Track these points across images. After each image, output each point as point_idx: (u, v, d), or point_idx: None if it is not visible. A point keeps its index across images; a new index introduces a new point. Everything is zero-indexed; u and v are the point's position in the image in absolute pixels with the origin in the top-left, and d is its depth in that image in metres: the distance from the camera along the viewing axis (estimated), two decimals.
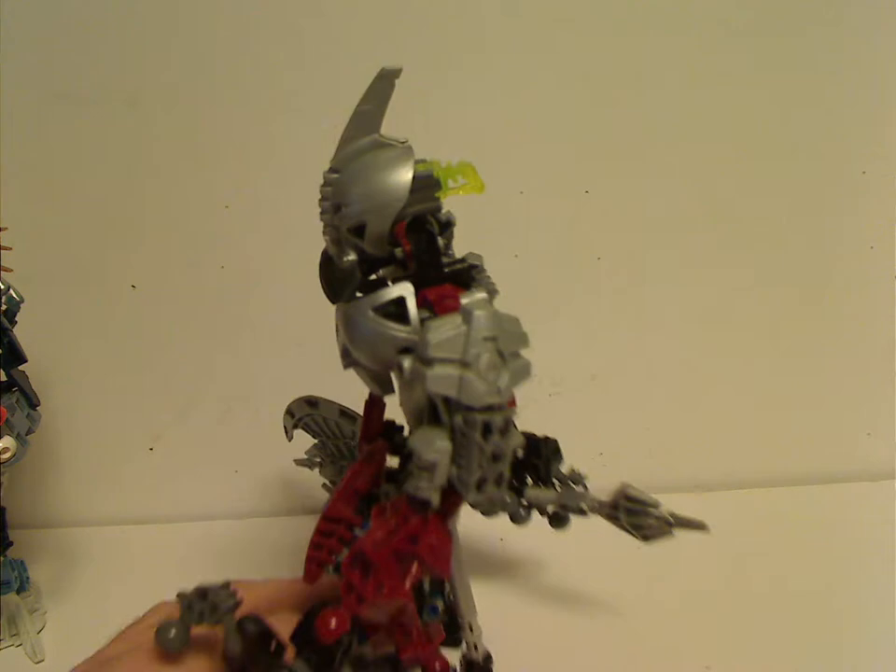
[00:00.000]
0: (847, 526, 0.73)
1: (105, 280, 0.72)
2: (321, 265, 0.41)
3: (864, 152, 0.77)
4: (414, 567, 0.32)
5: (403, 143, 0.38)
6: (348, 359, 0.40)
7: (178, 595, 0.31)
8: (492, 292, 0.41)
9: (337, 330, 0.41)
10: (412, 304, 0.35)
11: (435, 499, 0.33)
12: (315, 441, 0.62)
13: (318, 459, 0.63)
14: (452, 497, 0.34)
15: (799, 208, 0.78)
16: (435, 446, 0.33)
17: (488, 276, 0.42)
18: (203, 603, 0.31)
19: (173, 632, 0.30)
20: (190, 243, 0.72)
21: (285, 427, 0.61)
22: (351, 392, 0.51)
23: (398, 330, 0.35)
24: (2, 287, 0.57)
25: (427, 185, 0.37)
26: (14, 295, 0.57)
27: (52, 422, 0.72)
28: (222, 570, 0.34)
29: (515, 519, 0.57)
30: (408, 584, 0.32)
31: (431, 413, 0.34)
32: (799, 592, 0.64)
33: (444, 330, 0.33)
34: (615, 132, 0.74)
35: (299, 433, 0.61)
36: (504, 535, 0.69)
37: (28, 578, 0.62)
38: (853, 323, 0.81)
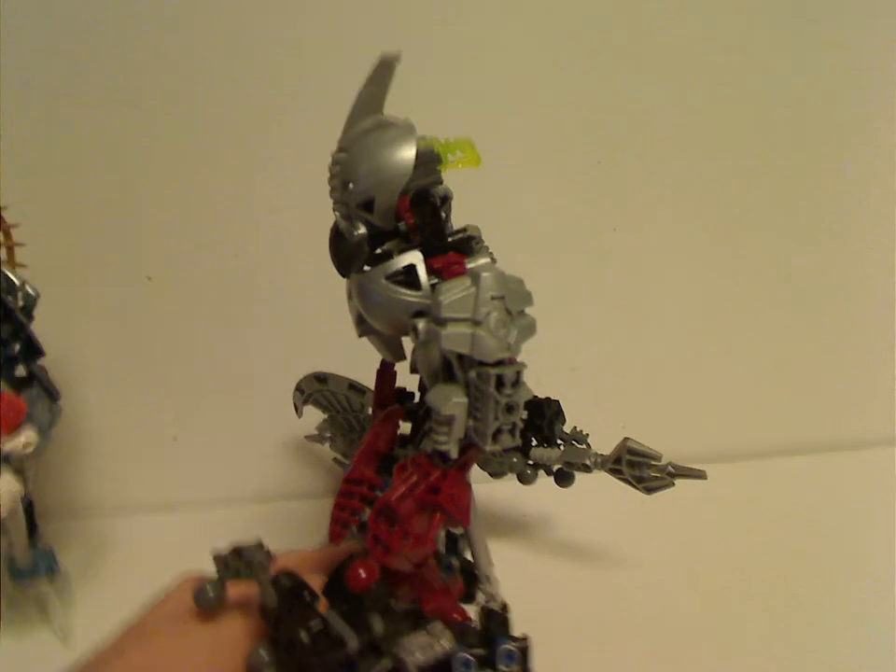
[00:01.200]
0: (858, 492, 0.73)
1: (121, 273, 0.72)
2: (331, 241, 0.43)
3: (875, 126, 0.76)
4: (437, 518, 0.35)
5: (405, 121, 0.41)
6: (363, 327, 0.42)
7: (214, 556, 0.33)
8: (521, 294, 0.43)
9: (349, 301, 0.43)
10: (422, 271, 0.38)
11: (454, 452, 0.35)
12: (325, 416, 0.63)
13: (329, 434, 0.64)
14: (469, 451, 0.37)
15: (814, 181, 0.78)
16: (452, 401, 0.35)
17: (486, 247, 0.44)
18: (238, 561, 0.32)
19: (210, 590, 0.32)
20: (203, 233, 0.73)
21: (295, 404, 0.62)
22: (364, 371, 0.52)
23: (410, 296, 0.38)
24: (17, 282, 0.57)
25: (429, 160, 0.40)
26: (30, 290, 0.58)
27: (75, 415, 0.72)
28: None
29: (523, 479, 0.59)
30: (432, 534, 0.35)
31: (446, 371, 0.37)
32: (807, 555, 0.64)
33: (455, 292, 0.35)
34: (629, 102, 0.74)
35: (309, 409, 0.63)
36: (513, 497, 0.71)
37: (58, 565, 0.63)
38: (874, 290, 0.80)
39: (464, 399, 0.35)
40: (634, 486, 0.54)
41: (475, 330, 0.34)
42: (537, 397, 0.57)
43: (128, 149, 0.70)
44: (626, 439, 0.54)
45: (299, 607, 0.32)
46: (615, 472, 0.55)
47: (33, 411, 0.55)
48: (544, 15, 0.71)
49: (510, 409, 0.35)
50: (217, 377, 0.76)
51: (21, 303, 0.57)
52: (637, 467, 0.53)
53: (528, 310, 0.38)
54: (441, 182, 0.41)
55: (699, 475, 0.51)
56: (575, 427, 0.60)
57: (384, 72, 0.40)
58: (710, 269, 0.79)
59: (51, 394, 0.58)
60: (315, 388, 0.61)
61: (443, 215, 0.41)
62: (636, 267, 0.79)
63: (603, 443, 0.56)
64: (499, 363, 0.35)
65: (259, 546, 0.33)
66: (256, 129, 0.70)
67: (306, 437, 0.66)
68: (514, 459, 0.58)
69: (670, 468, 0.52)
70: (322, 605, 0.33)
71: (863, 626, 0.57)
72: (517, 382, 0.35)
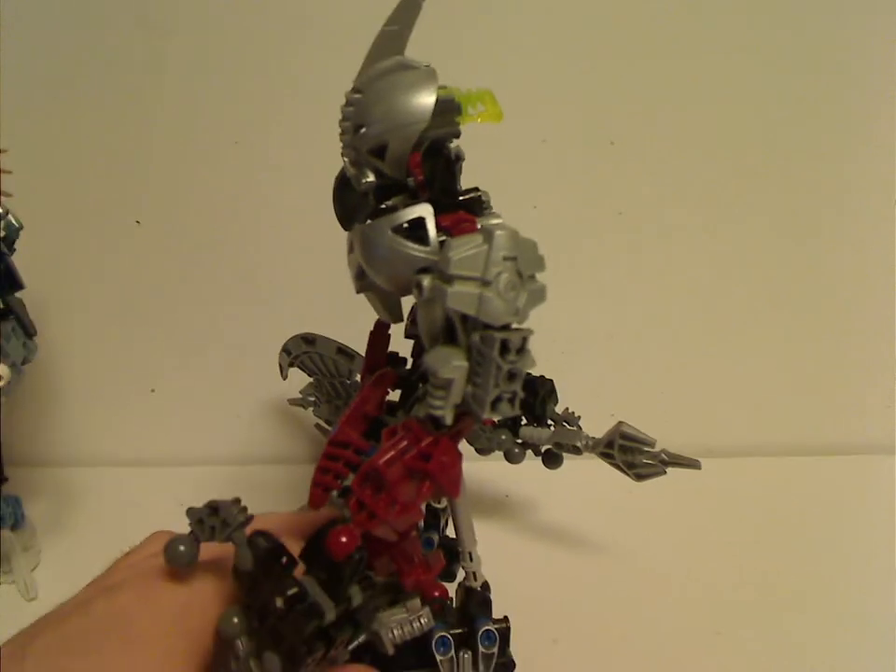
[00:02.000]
0: (858, 497, 0.73)
1: (110, 213, 0.70)
2: (335, 189, 0.41)
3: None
4: (426, 486, 0.33)
5: (427, 66, 0.38)
6: (362, 282, 0.40)
7: (188, 511, 0.31)
8: (535, 258, 0.41)
9: (349, 255, 0.40)
10: (431, 225, 0.35)
11: (448, 418, 0.33)
12: (311, 379, 0.61)
13: (313, 398, 0.63)
14: (463, 420, 0.35)
15: (816, 181, 0.76)
16: (452, 364, 0.33)
17: (497, 214, 0.41)
18: (213, 517, 0.31)
19: (182, 547, 0.30)
20: (198, 180, 0.70)
21: (280, 365, 0.61)
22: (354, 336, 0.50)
23: (416, 250, 0.35)
24: (1, 211, 0.55)
25: (448, 109, 0.37)
26: (13, 220, 0.56)
27: (50, 356, 0.71)
28: None
29: (510, 457, 0.58)
30: (419, 501, 0.33)
31: (447, 333, 0.34)
32: (811, 559, 0.63)
33: (466, 249, 0.33)
34: (644, 81, 0.72)
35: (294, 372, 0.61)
36: (499, 476, 0.70)
37: (23, 515, 0.62)
38: (880, 292, 0.79)
39: (464, 363, 0.33)
40: (624, 472, 0.53)
41: (483, 291, 0.32)
42: (530, 374, 0.55)
43: (123, 83, 0.68)
44: (620, 423, 0.53)
45: (275, 571, 0.30)
46: (606, 457, 0.54)
47: (6, 344, 0.53)
48: None
49: (512, 376, 0.33)
50: (201, 332, 0.74)
51: (2, 233, 0.54)
52: (629, 452, 0.52)
53: (539, 276, 0.35)
54: (458, 134, 0.38)
55: (693, 464, 0.51)
56: (567, 409, 0.59)
57: (409, 8, 0.38)
58: (713, 262, 0.78)
59: (27, 329, 0.55)
60: (303, 350, 0.59)
61: (455, 173, 0.39)
62: (637, 253, 0.77)
63: (591, 430, 0.55)
64: (505, 327, 0.33)
65: (237, 503, 0.31)
66: (257, 72, 0.68)
67: (289, 400, 0.64)
68: (503, 437, 0.57)
69: (663, 455, 0.52)
70: (299, 571, 0.32)
71: (861, 627, 0.56)
72: (522, 348, 0.33)
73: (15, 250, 0.56)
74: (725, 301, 0.79)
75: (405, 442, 0.34)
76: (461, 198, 0.38)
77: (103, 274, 0.72)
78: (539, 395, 0.57)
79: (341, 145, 0.39)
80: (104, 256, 0.71)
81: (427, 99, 0.36)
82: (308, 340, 0.59)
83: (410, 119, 0.36)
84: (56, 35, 0.66)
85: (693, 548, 0.64)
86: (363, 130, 0.36)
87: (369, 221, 0.37)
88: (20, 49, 0.65)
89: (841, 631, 0.56)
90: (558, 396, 0.58)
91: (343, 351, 0.59)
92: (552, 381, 0.58)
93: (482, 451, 0.59)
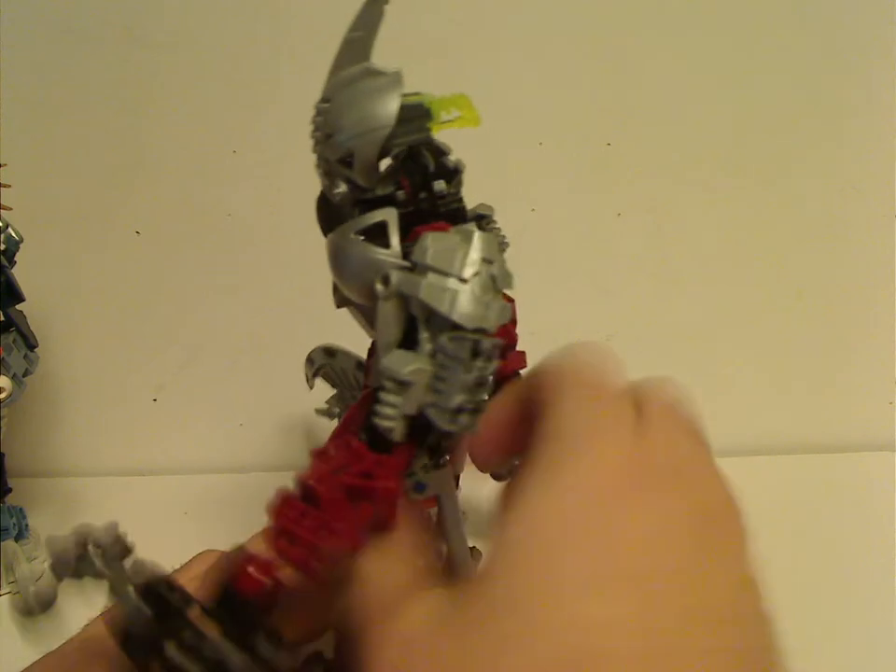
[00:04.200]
0: (859, 494, 0.72)
1: (109, 225, 0.70)
2: (318, 202, 0.40)
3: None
4: (364, 508, 0.28)
5: (394, 71, 0.37)
6: (338, 295, 0.39)
7: (48, 540, 0.26)
8: (502, 244, 0.39)
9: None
10: (393, 228, 0.34)
11: (398, 432, 0.29)
12: (335, 391, 0.61)
13: (337, 410, 0.62)
14: (403, 448, 0.31)
15: (833, 165, 0.75)
16: (414, 366, 0.30)
17: (498, 228, 0.40)
18: (82, 549, 0.26)
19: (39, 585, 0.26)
20: (197, 190, 0.70)
21: (305, 374, 0.60)
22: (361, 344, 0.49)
23: (380, 254, 0.33)
24: (1, 225, 0.55)
25: (416, 114, 0.36)
26: (13, 234, 0.56)
27: (52, 368, 0.70)
28: (224, 523, 0.33)
29: (497, 476, 0.56)
30: (355, 527, 0.27)
31: (407, 336, 0.32)
32: (811, 558, 0.62)
33: (443, 243, 0.31)
34: (640, 82, 0.72)
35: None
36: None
37: (27, 525, 0.62)
38: (880, 289, 0.79)
39: (427, 367, 0.30)
40: None
41: (459, 288, 0.30)
42: None
43: (121, 95, 0.68)
44: None
45: (165, 616, 0.25)
46: None
47: (8, 357, 0.53)
48: None
49: (479, 384, 0.30)
50: (202, 341, 0.74)
51: (2, 246, 0.55)
52: None
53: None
54: (430, 141, 0.37)
55: None
56: None
57: (372, 13, 0.36)
58: (713, 262, 0.78)
59: (28, 341, 0.56)
60: (324, 362, 0.59)
61: (451, 190, 0.37)
62: (636, 254, 0.77)
63: None
64: (478, 331, 0.30)
65: (113, 532, 0.27)
66: (254, 80, 0.68)
67: (316, 410, 0.64)
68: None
69: None
70: (196, 612, 0.26)
71: (861, 625, 0.56)
72: (492, 356, 0.30)
73: (15, 263, 0.56)
74: (725, 300, 0.79)
75: (341, 458, 0.30)
76: (442, 208, 0.37)
77: (103, 285, 0.72)
78: None
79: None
80: (103, 267, 0.72)
81: (391, 104, 0.35)
82: (329, 352, 0.58)
83: (374, 125, 0.35)
84: (54, 49, 0.66)
85: None
86: (331, 139, 0.35)
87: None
88: (18, 63, 0.66)
89: (841, 629, 0.56)
90: None
91: (364, 365, 0.58)
92: None
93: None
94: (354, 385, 0.59)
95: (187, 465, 0.74)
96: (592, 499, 0.22)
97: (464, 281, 0.30)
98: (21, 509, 0.62)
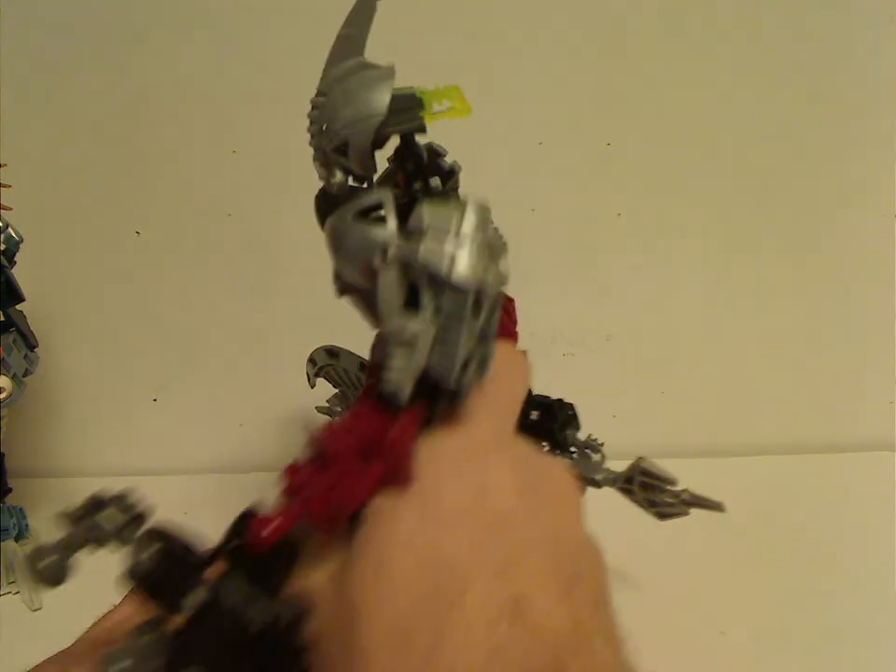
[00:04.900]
0: (864, 495, 0.72)
1: (110, 224, 0.70)
2: (316, 199, 0.40)
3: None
4: (375, 467, 0.28)
5: (387, 65, 0.37)
6: (339, 283, 0.39)
7: (62, 514, 0.26)
8: (501, 245, 0.39)
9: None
10: (389, 207, 0.34)
11: (406, 390, 0.30)
12: (336, 390, 0.61)
13: (339, 409, 0.62)
14: (416, 412, 0.31)
15: (832, 165, 0.75)
16: (416, 325, 0.30)
17: (496, 228, 0.41)
18: (93, 518, 0.26)
19: (49, 557, 0.25)
20: (197, 189, 0.70)
21: (307, 374, 0.60)
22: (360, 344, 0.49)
23: (378, 234, 0.33)
24: (1, 225, 0.55)
25: (408, 104, 0.36)
26: (13, 234, 0.56)
27: (52, 368, 0.71)
28: (224, 523, 0.33)
29: None
30: (364, 486, 0.27)
31: (409, 301, 0.32)
32: (813, 558, 0.62)
33: (439, 210, 0.32)
34: (640, 82, 0.72)
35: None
36: None
37: (27, 525, 0.62)
38: (880, 290, 0.79)
39: (430, 328, 0.30)
40: (645, 510, 0.51)
41: (457, 249, 0.31)
42: (548, 398, 0.54)
43: (121, 97, 0.68)
44: (640, 458, 0.50)
45: (177, 573, 0.25)
46: (627, 492, 0.52)
47: (8, 357, 0.53)
48: None
49: (483, 337, 0.31)
50: (202, 341, 0.74)
51: (2, 246, 0.55)
52: (650, 489, 0.50)
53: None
54: (423, 130, 0.37)
55: (716, 507, 0.48)
56: (590, 435, 0.56)
57: (365, 12, 0.38)
58: (712, 263, 0.78)
59: (28, 341, 0.56)
60: (327, 362, 0.59)
61: (445, 188, 0.37)
62: (636, 254, 0.77)
63: (592, 432, 0.55)
64: (478, 290, 0.31)
65: (125, 498, 0.27)
66: (256, 81, 0.68)
67: (317, 408, 0.64)
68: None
69: (686, 495, 0.49)
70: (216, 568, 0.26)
71: (862, 624, 0.56)
72: (494, 308, 0.32)
73: (15, 263, 0.56)
74: (724, 300, 0.79)
75: (355, 421, 0.30)
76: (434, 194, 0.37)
77: (103, 285, 0.72)
78: (559, 420, 0.54)
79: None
80: (103, 267, 0.72)
81: (384, 94, 0.36)
82: (332, 353, 0.59)
83: (367, 113, 0.36)
84: (55, 48, 0.66)
85: (694, 547, 0.63)
86: (327, 129, 0.36)
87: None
88: (19, 62, 0.66)
89: (842, 628, 0.55)
90: (578, 420, 0.56)
91: (366, 366, 0.58)
92: (572, 405, 0.55)
93: None
94: (356, 385, 0.59)
95: (187, 465, 0.74)
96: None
97: (461, 244, 0.31)
98: (21, 509, 0.62)
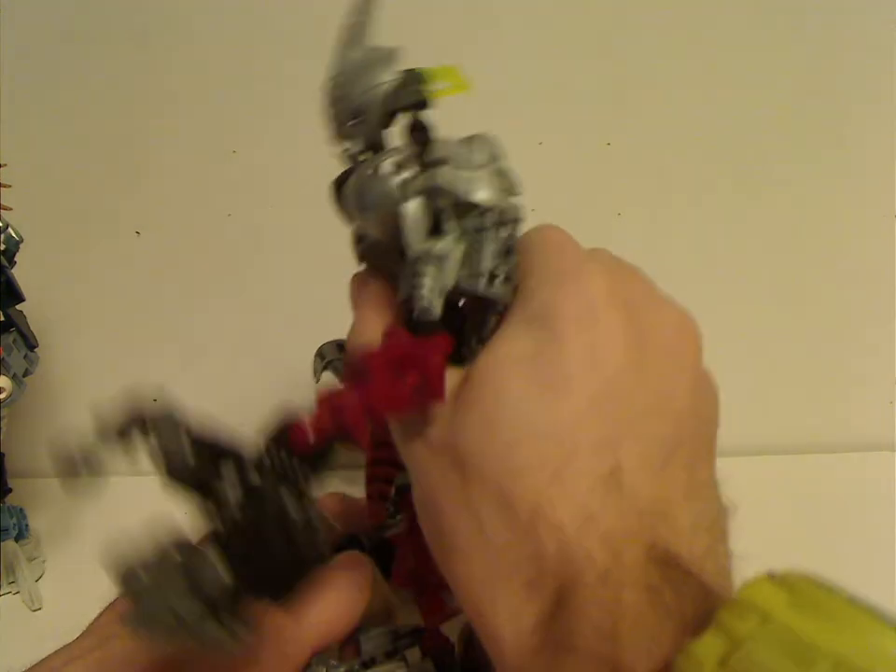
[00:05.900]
0: (864, 495, 0.72)
1: (109, 225, 0.70)
2: (333, 185, 0.41)
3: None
4: (411, 377, 0.28)
5: (392, 47, 0.40)
6: (360, 247, 0.41)
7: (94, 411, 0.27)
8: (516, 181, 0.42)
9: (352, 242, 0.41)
10: (405, 154, 0.36)
11: (436, 307, 0.31)
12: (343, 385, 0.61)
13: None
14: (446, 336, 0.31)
15: (832, 165, 0.75)
16: (444, 242, 0.33)
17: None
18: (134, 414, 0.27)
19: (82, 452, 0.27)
20: (197, 189, 0.70)
21: (314, 368, 0.61)
22: None
23: (397, 179, 0.35)
24: (1, 225, 0.55)
25: (414, 80, 0.39)
26: (13, 234, 0.56)
27: (52, 368, 0.70)
28: None
29: None
30: (401, 396, 0.28)
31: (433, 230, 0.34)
32: (812, 558, 0.61)
33: (453, 143, 0.35)
34: (640, 82, 0.72)
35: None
36: None
37: (27, 525, 0.62)
38: (880, 289, 0.79)
39: (457, 247, 0.33)
40: None
41: (473, 175, 0.34)
42: None
43: (122, 96, 0.68)
44: None
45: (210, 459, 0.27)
46: None
47: (8, 357, 0.53)
48: None
49: (508, 251, 0.33)
50: (203, 341, 0.74)
51: (2, 246, 0.55)
52: None
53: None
54: (428, 104, 0.39)
55: None
56: None
57: (367, 1, 0.40)
58: (712, 262, 0.78)
59: (28, 341, 0.56)
60: (336, 356, 0.59)
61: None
62: (636, 254, 0.76)
63: None
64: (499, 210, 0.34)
65: (167, 409, 0.29)
66: (255, 81, 0.68)
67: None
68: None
69: None
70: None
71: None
72: (517, 224, 0.34)
73: (15, 263, 0.56)
74: (724, 300, 0.78)
75: (388, 343, 0.31)
76: None
77: (103, 286, 0.72)
78: None
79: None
80: (104, 267, 0.71)
81: (391, 66, 0.38)
82: (342, 347, 0.58)
83: (378, 81, 0.38)
84: (54, 48, 0.66)
85: None
86: (342, 102, 0.39)
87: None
88: (18, 63, 0.66)
89: None
90: None
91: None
92: None
93: None
94: None
95: None
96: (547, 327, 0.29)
97: (478, 169, 0.34)
98: (21, 509, 0.62)
